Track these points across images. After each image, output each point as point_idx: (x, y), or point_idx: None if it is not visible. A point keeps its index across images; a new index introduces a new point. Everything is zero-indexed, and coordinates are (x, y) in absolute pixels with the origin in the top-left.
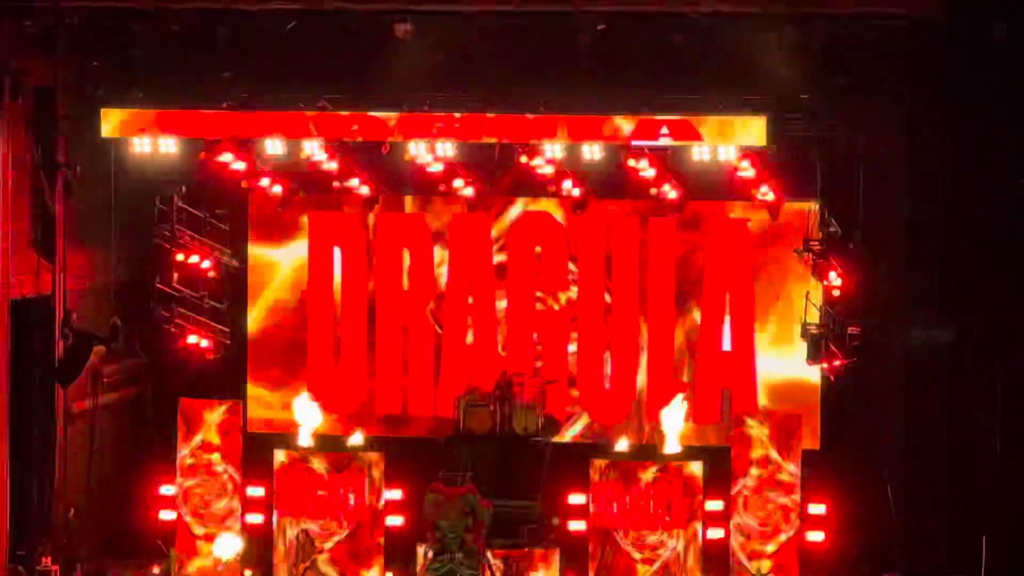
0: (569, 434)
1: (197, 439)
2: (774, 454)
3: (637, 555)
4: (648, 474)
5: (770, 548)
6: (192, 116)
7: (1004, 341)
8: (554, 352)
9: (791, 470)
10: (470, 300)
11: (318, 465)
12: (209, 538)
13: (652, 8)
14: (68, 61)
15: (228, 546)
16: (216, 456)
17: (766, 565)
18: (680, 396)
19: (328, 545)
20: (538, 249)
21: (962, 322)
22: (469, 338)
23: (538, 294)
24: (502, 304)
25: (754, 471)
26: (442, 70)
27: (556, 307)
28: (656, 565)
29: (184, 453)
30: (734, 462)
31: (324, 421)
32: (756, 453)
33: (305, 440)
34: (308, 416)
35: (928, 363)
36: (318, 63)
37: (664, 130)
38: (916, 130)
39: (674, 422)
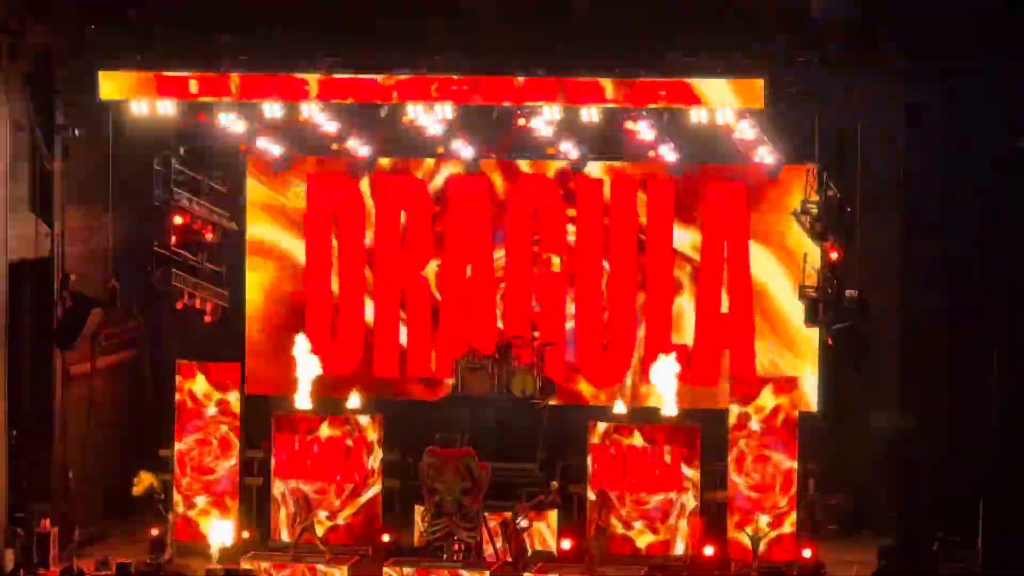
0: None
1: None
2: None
3: (638, 524)
4: (645, 437)
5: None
6: (190, 79)
7: (1001, 303)
8: (552, 315)
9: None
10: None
11: (320, 429)
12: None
13: None
14: (66, 24)
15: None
16: (207, 391)
17: (763, 522)
18: (670, 356)
19: (324, 513)
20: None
21: (959, 283)
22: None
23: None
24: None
25: (756, 422)
26: (441, 33)
27: (557, 265)
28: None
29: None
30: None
31: (322, 383)
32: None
33: (303, 403)
34: (307, 366)
35: (925, 325)
36: (317, 26)
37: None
38: (915, 92)
39: (666, 381)
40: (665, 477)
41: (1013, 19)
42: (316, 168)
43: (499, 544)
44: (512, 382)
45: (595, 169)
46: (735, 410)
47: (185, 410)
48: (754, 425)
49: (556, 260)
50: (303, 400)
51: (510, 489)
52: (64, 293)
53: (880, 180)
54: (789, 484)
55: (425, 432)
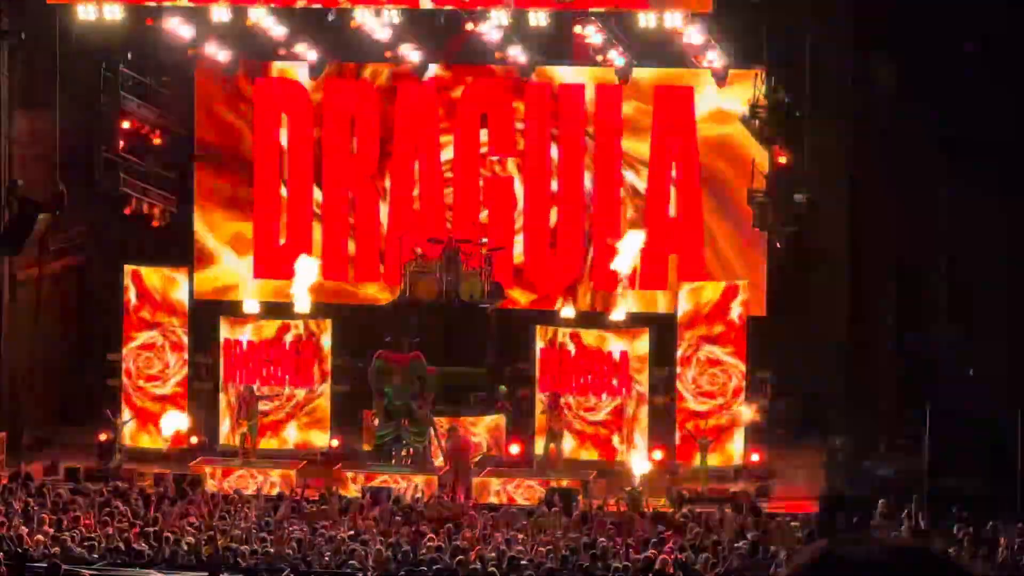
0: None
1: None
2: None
3: (586, 422)
4: (593, 341)
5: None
6: None
7: (951, 205)
8: (500, 219)
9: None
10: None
11: (265, 332)
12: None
13: None
14: None
15: (173, 423)
16: (156, 296)
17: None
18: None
19: (265, 406)
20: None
21: (910, 186)
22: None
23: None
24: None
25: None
26: None
27: (506, 169)
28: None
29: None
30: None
31: (271, 289)
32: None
33: (251, 307)
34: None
35: (874, 228)
36: None
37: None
38: None
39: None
40: (613, 381)
41: None
42: (264, 73)
43: (445, 447)
44: (460, 286)
45: (543, 74)
46: (683, 314)
47: (133, 315)
48: (702, 330)
49: (506, 164)
50: (251, 305)
51: (459, 393)
52: (11, 198)
53: (829, 83)
54: (738, 389)
55: (374, 336)
